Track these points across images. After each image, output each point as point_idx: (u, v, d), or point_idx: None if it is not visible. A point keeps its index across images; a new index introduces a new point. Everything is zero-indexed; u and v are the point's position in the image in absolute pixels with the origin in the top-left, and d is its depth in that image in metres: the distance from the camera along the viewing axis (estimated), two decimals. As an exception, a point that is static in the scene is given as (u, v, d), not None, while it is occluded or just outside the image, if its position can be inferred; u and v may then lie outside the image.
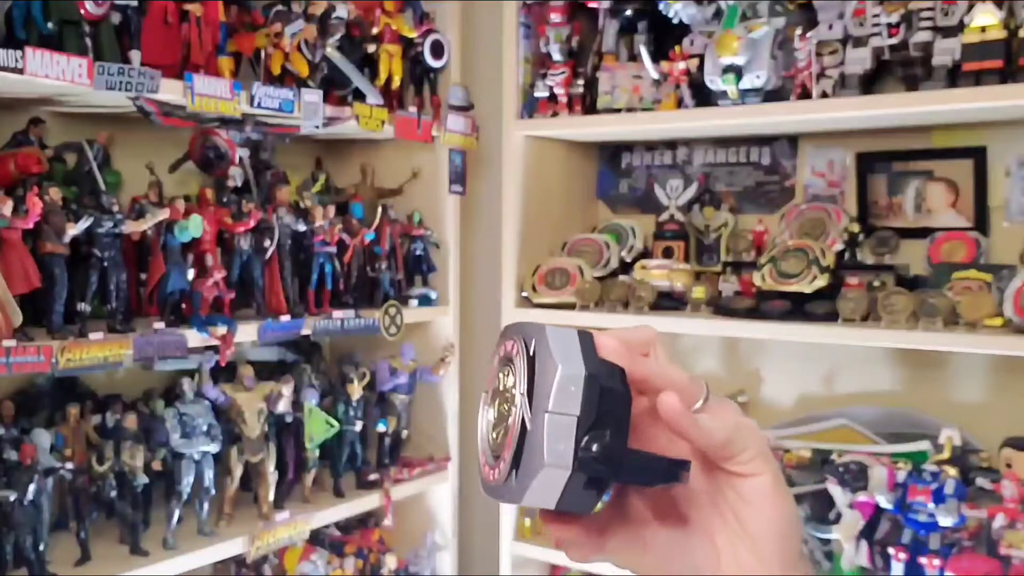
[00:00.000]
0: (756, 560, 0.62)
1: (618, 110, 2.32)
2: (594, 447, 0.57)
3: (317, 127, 2.12)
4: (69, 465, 1.82)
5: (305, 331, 2.15)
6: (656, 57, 2.26)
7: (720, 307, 2.20)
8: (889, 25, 2.01)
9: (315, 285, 2.21)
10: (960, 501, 1.90)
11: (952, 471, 1.94)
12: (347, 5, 2.21)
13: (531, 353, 0.59)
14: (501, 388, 0.63)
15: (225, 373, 2.11)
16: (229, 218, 2.01)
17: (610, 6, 2.38)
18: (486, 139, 2.60)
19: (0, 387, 1.95)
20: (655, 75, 2.26)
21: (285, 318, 2.10)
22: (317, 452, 2.25)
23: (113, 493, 1.89)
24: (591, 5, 2.41)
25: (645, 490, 0.65)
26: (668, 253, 2.45)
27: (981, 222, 2.16)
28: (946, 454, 2.02)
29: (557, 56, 2.41)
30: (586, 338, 0.60)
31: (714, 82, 2.11)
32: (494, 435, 0.62)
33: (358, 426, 2.33)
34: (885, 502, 1.97)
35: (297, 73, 2.07)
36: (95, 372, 1.83)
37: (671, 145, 2.60)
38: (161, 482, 2.00)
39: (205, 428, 1.97)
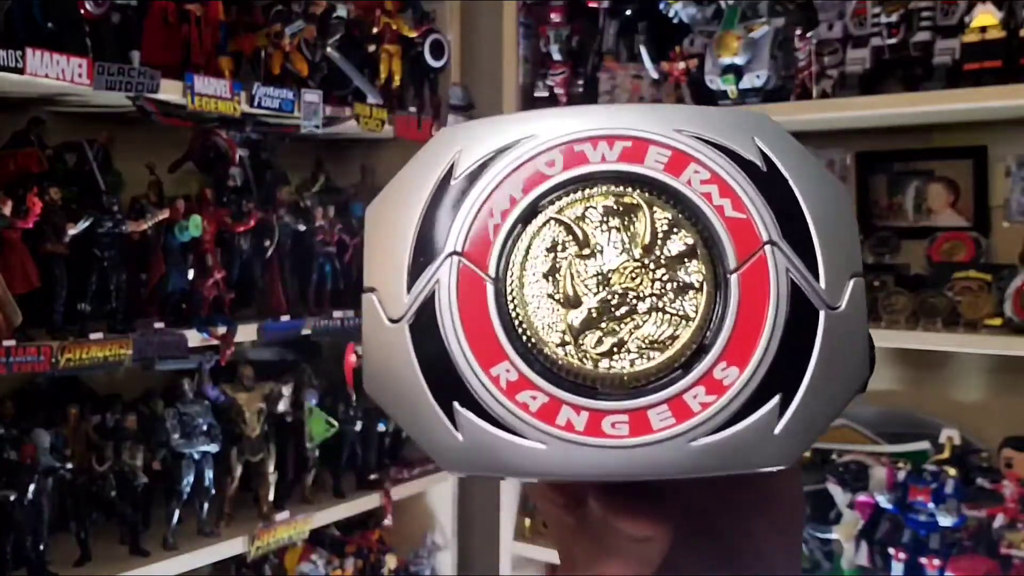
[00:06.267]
0: None
1: (618, 110, 2.31)
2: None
3: (317, 127, 2.12)
4: (69, 465, 1.81)
5: (305, 331, 2.15)
6: (656, 57, 2.26)
7: (720, 307, 2.20)
8: (889, 25, 2.00)
9: (315, 285, 2.21)
10: (960, 501, 1.90)
11: (952, 471, 1.94)
12: (347, 5, 2.20)
13: (763, 168, 0.37)
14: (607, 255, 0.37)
15: (225, 373, 2.11)
16: (229, 218, 2.01)
17: (610, 6, 2.37)
18: (486, 139, 2.59)
19: (0, 387, 1.95)
20: (655, 75, 2.26)
21: (285, 318, 2.10)
22: (317, 452, 2.24)
23: (113, 493, 1.88)
24: (591, 5, 2.41)
25: None
26: (668, 253, 2.45)
27: (981, 222, 2.16)
28: (946, 454, 2.02)
29: (557, 56, 2.41)
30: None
31: (714, 82, 2.11)
32: (618, 361, 0.37)
33: (358, 426, 2.32)
34: (885, 502, 1.97)
35: (297, 73, 2.07)
36: (95, 372, 1.83)
37: (671, 145, 2.59)
38: (161, 482, 2.00)
39: (205, 428, 1.97)
